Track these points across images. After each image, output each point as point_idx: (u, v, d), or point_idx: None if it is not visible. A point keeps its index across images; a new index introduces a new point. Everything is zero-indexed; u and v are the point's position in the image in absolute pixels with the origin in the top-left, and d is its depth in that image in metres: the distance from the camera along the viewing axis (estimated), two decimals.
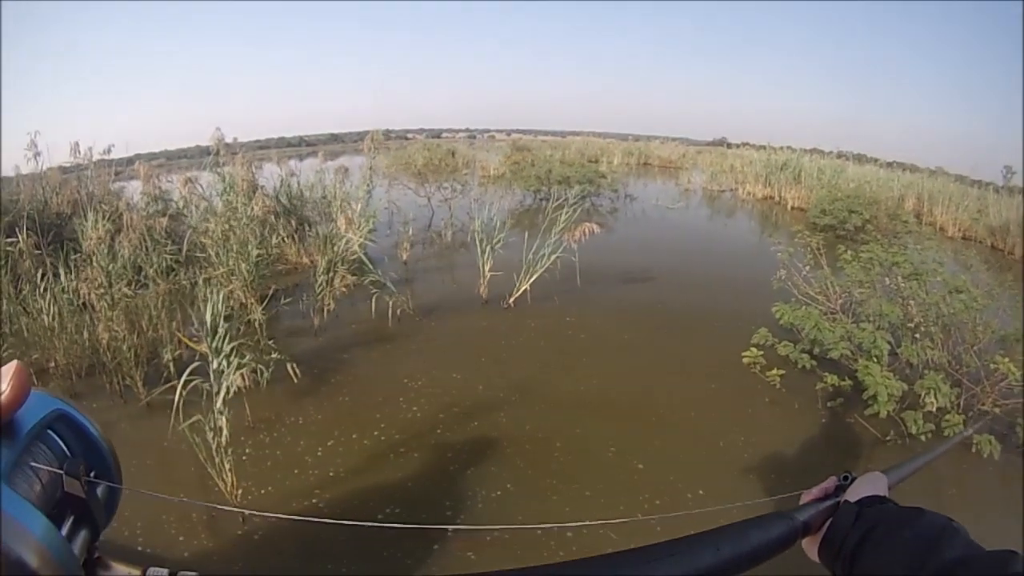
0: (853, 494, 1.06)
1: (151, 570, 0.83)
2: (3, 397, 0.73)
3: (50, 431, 0.86)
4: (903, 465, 1.32)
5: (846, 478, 1.12)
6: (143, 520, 4.32)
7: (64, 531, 0.82)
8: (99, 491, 0.90)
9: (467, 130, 50.76)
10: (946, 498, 5.02)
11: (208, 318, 4.52)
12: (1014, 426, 5.65)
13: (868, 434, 5.90)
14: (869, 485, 1.09)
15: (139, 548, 3.96)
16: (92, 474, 0.88)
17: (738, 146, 34.22)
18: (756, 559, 0.88)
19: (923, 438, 5.48)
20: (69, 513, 0.84)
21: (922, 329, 6.56)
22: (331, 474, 4.91)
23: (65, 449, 0.87)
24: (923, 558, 0.83)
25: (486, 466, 5.09)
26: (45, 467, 0.81)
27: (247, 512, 4.37)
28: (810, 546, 1.06)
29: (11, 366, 0.73)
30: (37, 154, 10.77)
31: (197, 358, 4.87)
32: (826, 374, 6.24)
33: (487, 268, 9.08)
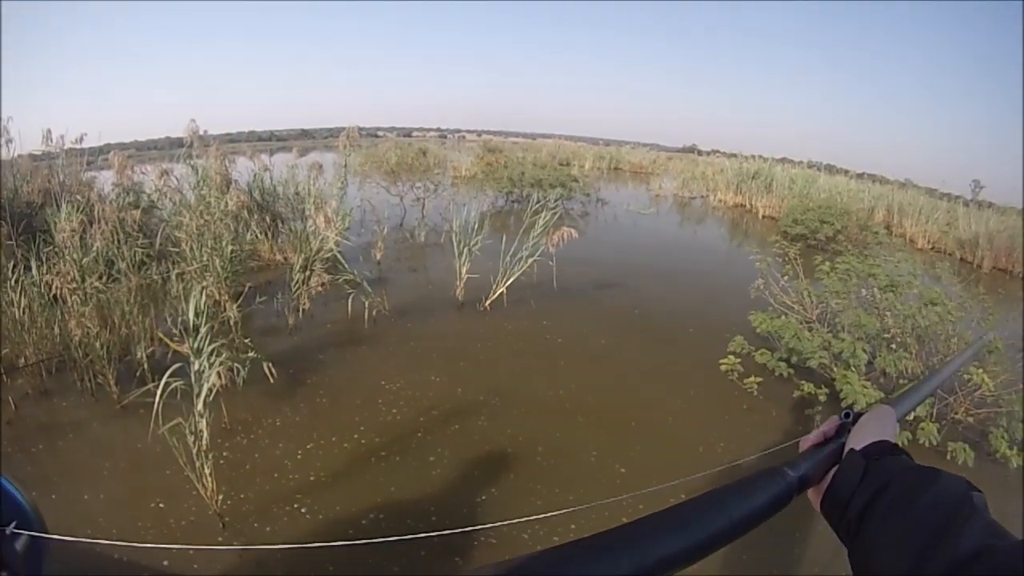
0: (857, 438, 0.97)
1: None
2: None
3: None
4: (911, 393, 1.27)
5: (847, 415, 1.05)
6: (119, 528, 4.24)
7: None
8: (19, 544, 0.97)
9: (438, 129, 50.93)
10: None
11: (191, 316, 4.40)
12: (986, 434, 5.79)
13: None
14: (876, 424, 1.01)
15: (115, 557, 3.87)
16: (13, 525, 0.96)
17: (708, 153, 34.70)
18: (745, 526, 0.79)
19: (900, 443, 5.51)
20: None
21: (898, 340, 6.67)
22: (312, 478, 4.83)
23: None
24: (937, 540, 0.74)
25: (469, 470, 5.05)
26: None
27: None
28: (814, 497, 0.97)
29: None
30: (9, 141, 10.55)
31: (170, 357, 4.76)
32: (803, 382, 6.36)
33: (464, 271, 9.05)
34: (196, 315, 4.42)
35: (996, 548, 0.71)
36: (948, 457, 5.44)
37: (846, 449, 0.96)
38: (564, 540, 0.66)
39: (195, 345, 4.37)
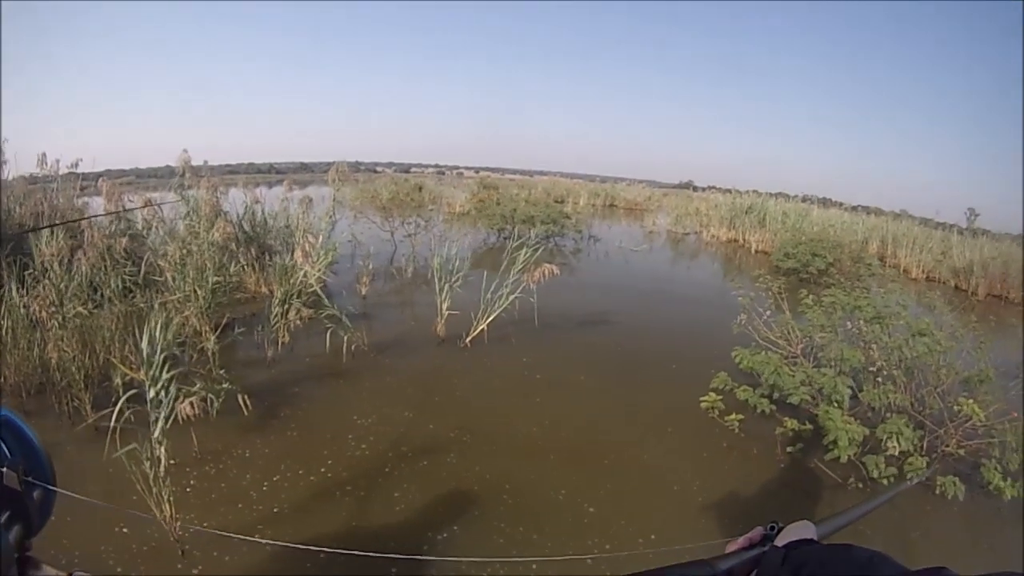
0: (780, 541, 1.07)
1: (77, 573, 0.89)
2: None
3: None
4: (835, 517, 1.33)
5: (772, 528, 1.14)
6: (81, 550, 4.25)
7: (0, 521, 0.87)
8: (35, 494, 0.95)
9: (436, 166, 51.30)
10: (909, 541, 5.05)
11: (144, 346, 4.42)
12: (978, 467, 5.65)
13: (828, 479, 5.90)
14: (797, 532, 1.10)
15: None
16: (30, 477, 0.94)
17: (704, 189, 34.89)
18: None
19: (885, 482, 5.47)
20: (5, 509, 0.89)
21: (884, 373, 6.55)
22: (275, 510, 4.80)
23: (5, 451, 0.93)
24: None
25: (433, 507, 4.99)
26: None
27: (187, 546, 4.32)
28: None
29: None
30: (3, 162, 10.65)
31: (142, 385, 4.79)
32: (786, 419, 6.23)
33: (445, 307, 9.03)
34: (150, 344, 4.44)
35: (907, 574, 0.82)
36: (936, 491, 5.29)
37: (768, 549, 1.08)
38: None
39: (151, 374, 4.40)
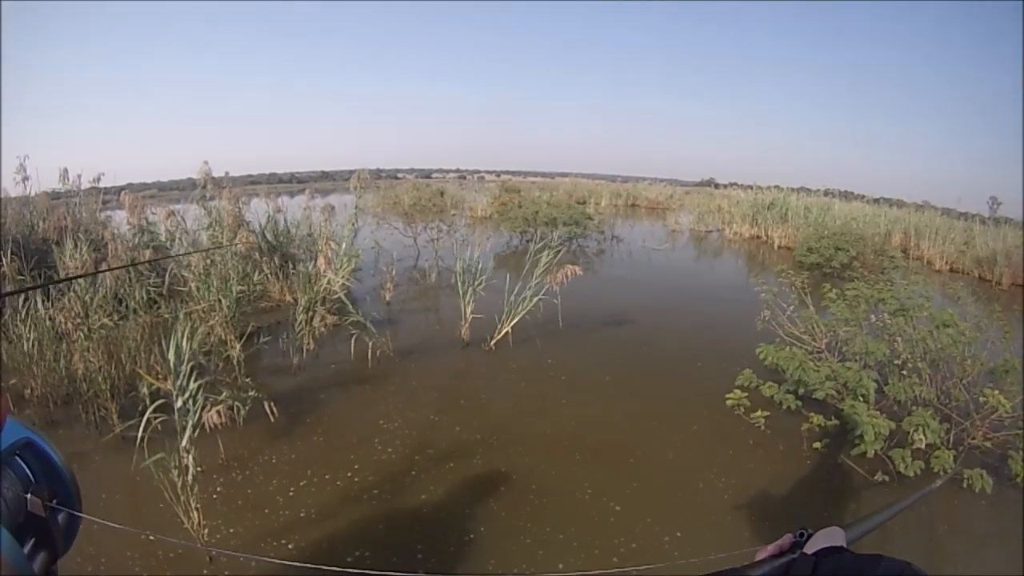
0: (810, 548, 1.06)
1: None
2: None
3: (17, 456, 0.91)
4: (863, 521, 1.34)
5: (802, 535, 1.14)
6: (107, 557, 4.27)
7: (25, 551, 0.86)
8: (60, 518, 0.94)
9: (458, 170, 51.36)
10: (937, 535, 4.94)
11: (171, 356, 4.43)
12: (1005, 459, 5.58)
13: (856, 474, 5.80)
14: (826, 539, 1.10)
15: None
16: (54, 501, 0.93)
17: (726, 186, 34.51)
18: None
19: (912, 475, 5.42)
20: (31, 536, 0.89)
21: (909, 365, 6.44)
22: (301, 515, 4.82)
23: (30, 475, 0.92)
24: None
25: (459, 509, 5.00)
26: (11, 489, 0.87)
27: (214, 552, 4.33)
28: None
29: None
30: (26, 178, 10.79)
31: (171, 395, 4.82)
32: (811, 414, 6.15)
33: (469, 310, 9.03)
34: (177, 354, 4.44)
35: None
36: (964, 485, 5.22)
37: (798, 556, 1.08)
38: None
39: (178, 383, 4.41)
